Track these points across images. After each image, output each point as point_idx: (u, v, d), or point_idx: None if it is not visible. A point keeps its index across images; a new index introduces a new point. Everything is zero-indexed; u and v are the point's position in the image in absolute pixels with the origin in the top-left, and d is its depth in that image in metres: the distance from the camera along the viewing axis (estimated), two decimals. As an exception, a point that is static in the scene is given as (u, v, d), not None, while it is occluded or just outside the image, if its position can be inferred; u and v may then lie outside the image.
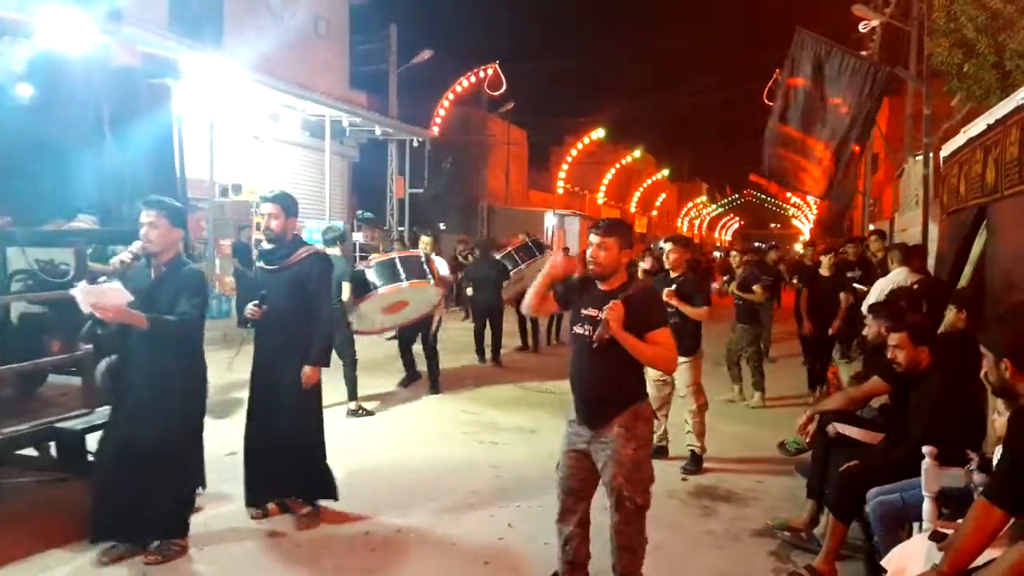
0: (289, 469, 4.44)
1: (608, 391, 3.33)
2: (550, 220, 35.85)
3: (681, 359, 5.03)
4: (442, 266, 8.41)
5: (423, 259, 7.49)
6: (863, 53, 14.93)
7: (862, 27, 14.45)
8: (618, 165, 44.10)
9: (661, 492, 5.21)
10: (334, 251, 7.32)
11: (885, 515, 3.48)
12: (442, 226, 25.19)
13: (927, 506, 3.24)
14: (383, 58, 22.53)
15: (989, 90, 8.10)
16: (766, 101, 20.71)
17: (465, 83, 24.85)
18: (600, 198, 45.88)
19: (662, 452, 5.90)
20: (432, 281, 7.25)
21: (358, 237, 16.16)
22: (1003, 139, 4.90)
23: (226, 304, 13.00)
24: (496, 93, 25.79)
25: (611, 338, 3.18)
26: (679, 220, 68.83)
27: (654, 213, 60.44)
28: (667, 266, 5.92)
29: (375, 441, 6.44)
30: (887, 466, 3.69)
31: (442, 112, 24.16)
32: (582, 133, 36.89)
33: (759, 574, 4.01)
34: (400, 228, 19.30)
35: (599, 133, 36.04)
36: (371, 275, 7.09)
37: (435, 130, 22.77)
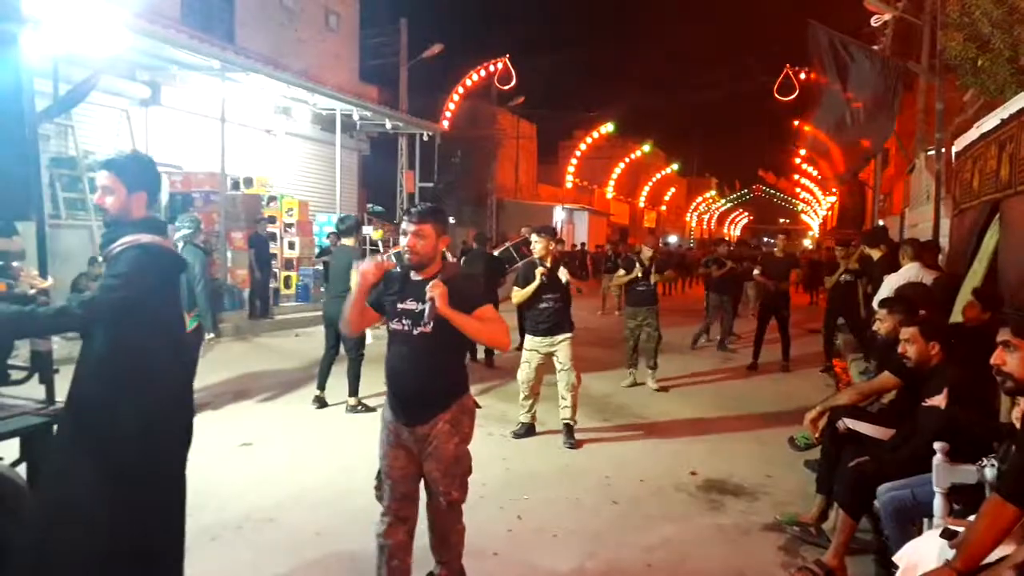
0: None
1: (434, 386, 3.19)
2: (559, 214, 35.86)
3: (561, 336, 6.28)
4: None
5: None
6: (875, 47, 14.83)
7: (874, 21, 14.36)
8: (627, 159, 44.00)
9: (669, 485, 5.26)
10: (348, 241, 7.34)
11: (896, 511, 3.47)
12: (452, 220, 25.23)
13: (938, 502, 3.23)
14: (393, 52, 22.57)
15: (1004, 85, 8.03)
16: (776, 96, 20.65)
17: (475, 77, 24.85)
18: (609, 192, 45.79)
19: (532, 430, 6.43)
20: None
21: (368, 231, 16.20)
22: (1018, 134, 4.88)
23: (239, 296, 13.08)
24: (506, 87, 25.79)
25: (435, 327, 3.07)
26: (688, 215, 68.63)
27: (663, 208, 60.27)
28: (537, 255, 6.47)
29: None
30: (898, 462, 3.69)
31: (452, 106, 24.16)
32: (591, 127, 36.83)
33: (768, 568, 4.02)
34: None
35: (608, 127, 35.97)
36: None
37: (445, 124, 22.77)
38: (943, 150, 9.80)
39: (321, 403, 7.17)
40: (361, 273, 3.13)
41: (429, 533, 3.32)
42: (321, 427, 6.60)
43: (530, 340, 6.40)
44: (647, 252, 8.74)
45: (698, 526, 4.58)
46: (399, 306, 3.20)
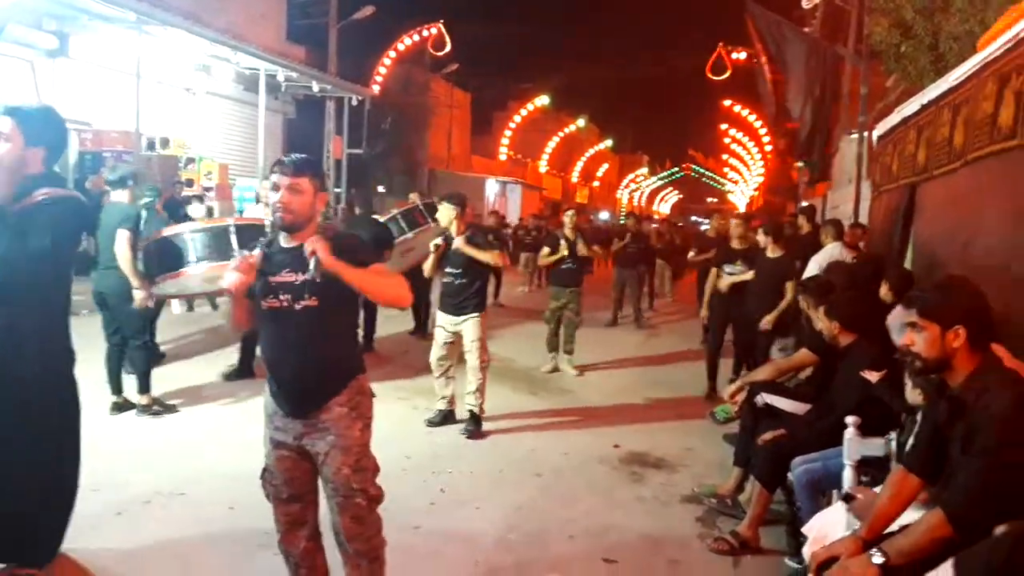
0: None
1: (325, 368, 2.72)
2: (492, 187, 35.69)
3: (464, 316, 5.76)
4: None
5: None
6: (805, 30, 15.13)
7: (805, 3, 14.64)
8: (561, 133, 44.05)
9: (592, 458, 5.30)
10: (121, 197, 5.84)
11: (808, 483, 3.56)
12: (381, 189, 24.75)
13: (847, 474, 3.32)
14: (323, 12, 21.76)
15: (923, 71, 8.28)
16: (709, 75, 20.88)
17: (408, 41, 24.25)
18: (543, 166, 45.80)
19: (450, 416, 5.95)
20: None
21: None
22: (935, 119, 5.01)
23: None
24: (440, 53, 25.24)
25: (323, 297, 2.62)
26: (619, 191, 69.37)
27: (596, 184, 60.73)
28: (444, 225, 5.97)
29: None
30: (812, 436, 3.78)
31: (383, 70, 23.57)
32: (526, 99, 36.64)
33: (686, 539, 4.08)
34: (337, 190, 18.83)
35: (544, 100, 35.85)
36: (191, 245, 5.43)
37: (375, 88, 22.21)
38: (865, 133, 10.08)
39: (121, 407, 5.77)
40: (233, 283, 2.64)
41: (344, 556, 2.80)
42: (230, 398, 6.34)
43: (439, 316, 5.97)
44: (569, 224, 8.13)
45: (619, 498, 4.62)
46: (274, 280, 2.68)
